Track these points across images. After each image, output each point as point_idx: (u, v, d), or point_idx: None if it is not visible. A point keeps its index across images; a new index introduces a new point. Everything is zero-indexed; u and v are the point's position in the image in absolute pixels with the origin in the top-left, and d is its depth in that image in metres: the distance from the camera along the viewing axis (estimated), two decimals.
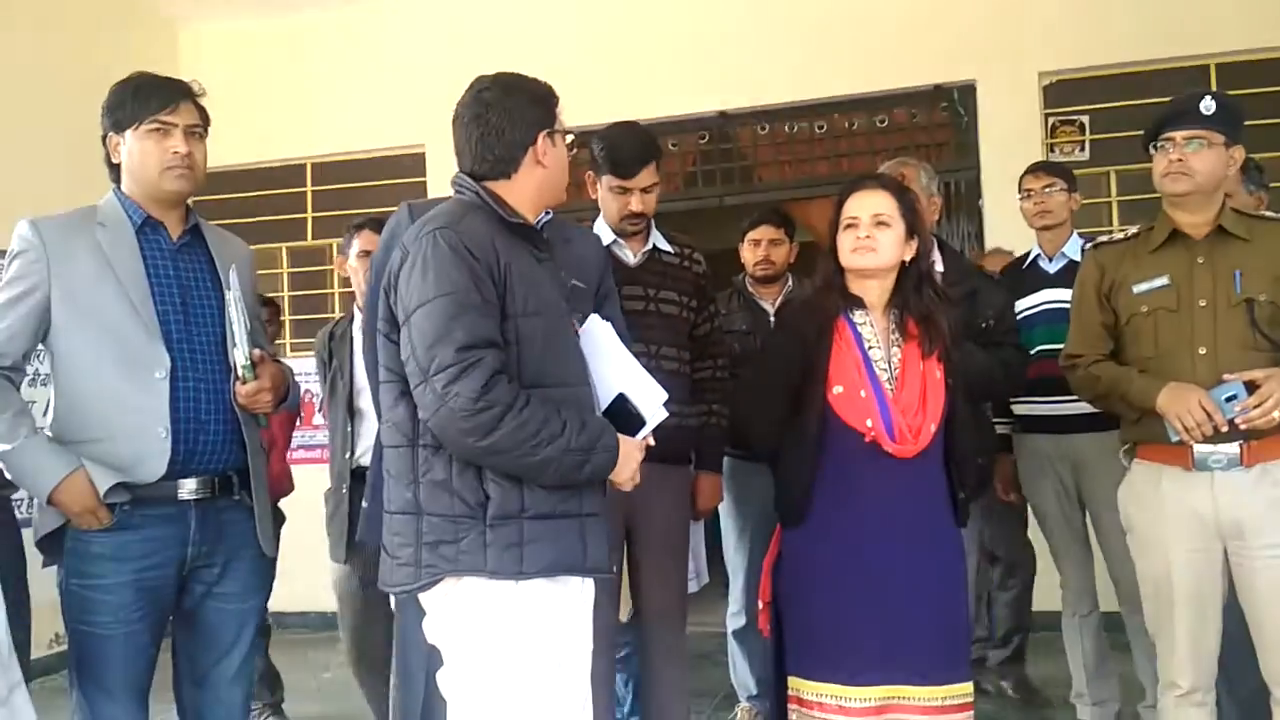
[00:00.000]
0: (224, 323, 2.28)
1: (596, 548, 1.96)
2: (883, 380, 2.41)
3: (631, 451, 1.98)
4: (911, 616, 2.36)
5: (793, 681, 2.42)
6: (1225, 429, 2.33)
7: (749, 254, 3.80)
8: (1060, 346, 3.07)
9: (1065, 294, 3.32)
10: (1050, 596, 4.56)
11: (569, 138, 2.14)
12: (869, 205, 2.44)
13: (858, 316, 2.46)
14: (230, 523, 2.30)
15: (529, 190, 2.05)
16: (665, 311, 2.85)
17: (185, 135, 2.27)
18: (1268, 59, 4.67)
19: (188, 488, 2.22)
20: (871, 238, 2.41)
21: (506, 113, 2.02)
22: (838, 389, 2.40)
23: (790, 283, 3.82)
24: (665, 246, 2.93)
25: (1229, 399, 2.32)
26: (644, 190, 2.82)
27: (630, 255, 2.88)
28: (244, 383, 2.26)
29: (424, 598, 1.98)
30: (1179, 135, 2.47)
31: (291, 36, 5.96)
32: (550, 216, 2.19)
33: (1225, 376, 2.35)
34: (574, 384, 1.98)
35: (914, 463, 2.38)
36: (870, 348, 2.43)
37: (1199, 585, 2.45)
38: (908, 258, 2.45)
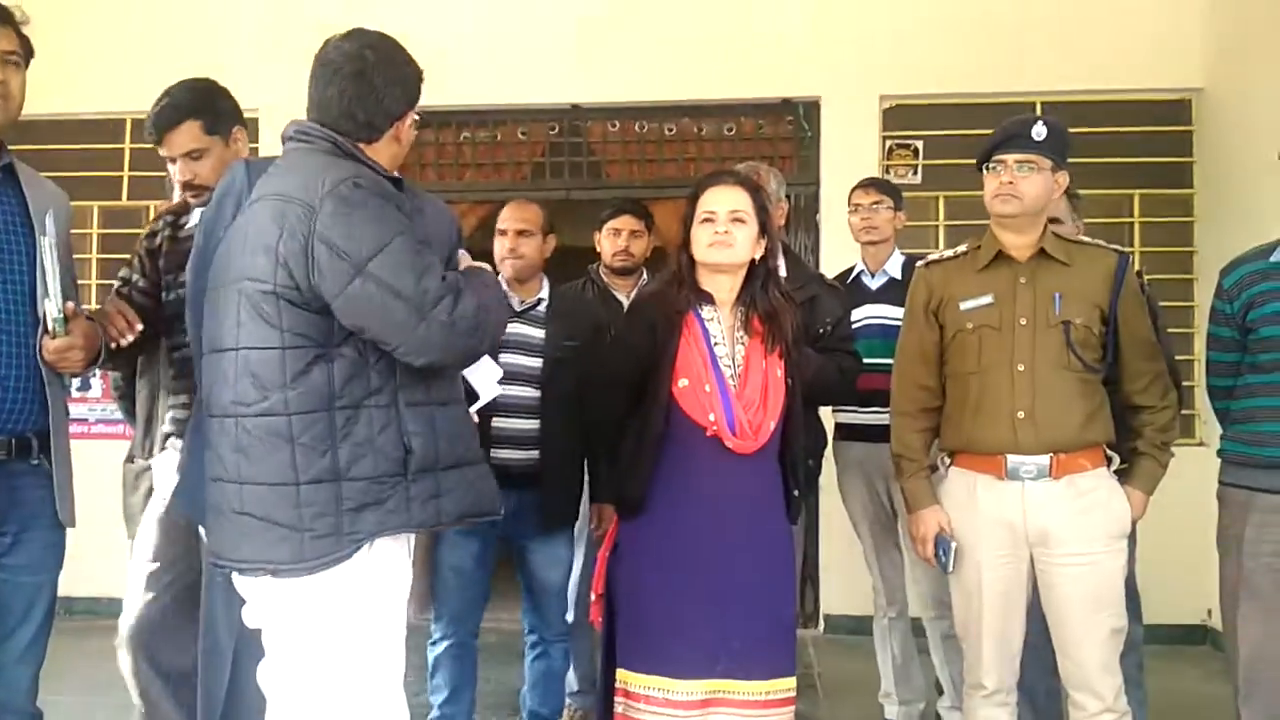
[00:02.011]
0: (35, 271, 2.09)
1: (490, 490, 2.03)
2: (727, 376, 2.43)
3: None
4: (742, 611, 2.39)
5: (621, 674, 2.41)
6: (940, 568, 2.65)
7: (608, 243, 3.72)
8: (879, 361, 3.17)
9: (885, 310, 3.47)
10: (849, 600, 4.78)
11: (414, 118, 2.11)
12: (726, 200, 2.46)
13: (706, 312, 2.48)
14: (25, 489, 2.11)
15: (381, 161, 1.99)
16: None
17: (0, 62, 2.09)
18: (1088, 101, 4.97)
19: None
20: (729, 233, 2.43)
21: (388, 81, 1.97)
22: (683, 382, 2.41)
23: (645, 276, 3.77)
24: None
25: (946, 551, 2.61)
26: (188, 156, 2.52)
27: None
28: (53, 337, 2.08)
29: (252, 582, 1.89)
30: (1010, 159, 2.54)
31: None
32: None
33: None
34: None
35: (753, 459, 2.41)
36: (716, 343, 2.46)
37: (1007, 590, 2.55)
38: (757, 256, 2.48)
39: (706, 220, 2.45)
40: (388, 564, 1.90)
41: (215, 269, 1.96)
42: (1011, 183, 2.54)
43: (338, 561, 1.83)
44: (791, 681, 2.46)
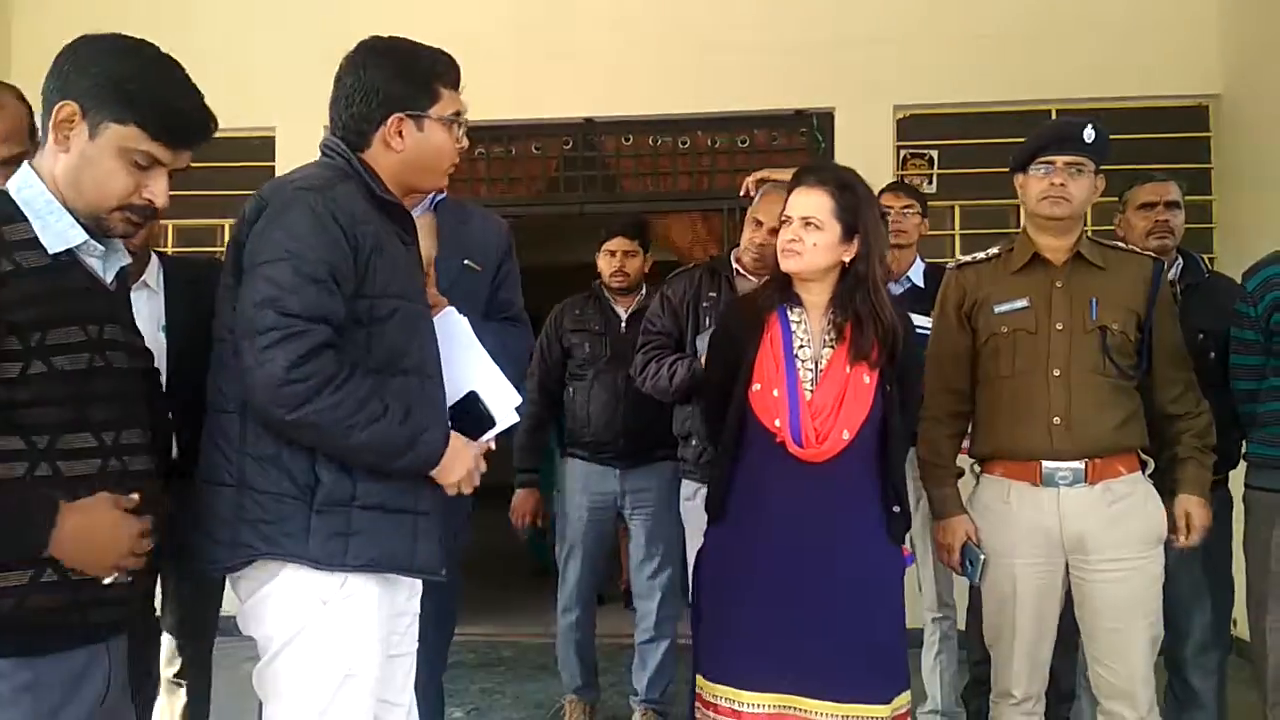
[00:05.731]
0: None
1: (428, 548, 1.84)
2: (803, 381, 2.33)
3: (462, 452, 1.85)
4: (815, 626, 2.28)
5: (699, 680, 2.37)
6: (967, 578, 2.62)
7: (604, 264, 3.84)
8: None
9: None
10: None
11: (459, 126, 1.95)
12: (801, 205, 2.35)
13: (793, 315, 2.39)
14: None
15: (386, 170, 1.89)
16: (119, 366, 1.68)
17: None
18: (1104, 108, 4.93)
19: None
20: (798, 240, 2.33)
21: (360, 83, 1.87)
22: (756, 386, 2.34)
23: (645, 291, 3.84)
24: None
25: (973, 561, 2.56)
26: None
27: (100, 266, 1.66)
28: None
29: (242, 584, 1.81)
30: (1060, 160, 2.49)
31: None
32: (444, 197, 2.07)
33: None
34: (430, 375, 1.86)
35: (827, 468, 2.30)
36: (800, 347, 2.36)
37: (1040, 597, 2.52)
38: (847, 258, 2.35)
39: (785, 223, 2.36)
40: (315, 597, 1.79)
41: None
42: (1063, 184, 2.49)
43: (230, 570, 1.80)
44: (881, 710, 2.29)
